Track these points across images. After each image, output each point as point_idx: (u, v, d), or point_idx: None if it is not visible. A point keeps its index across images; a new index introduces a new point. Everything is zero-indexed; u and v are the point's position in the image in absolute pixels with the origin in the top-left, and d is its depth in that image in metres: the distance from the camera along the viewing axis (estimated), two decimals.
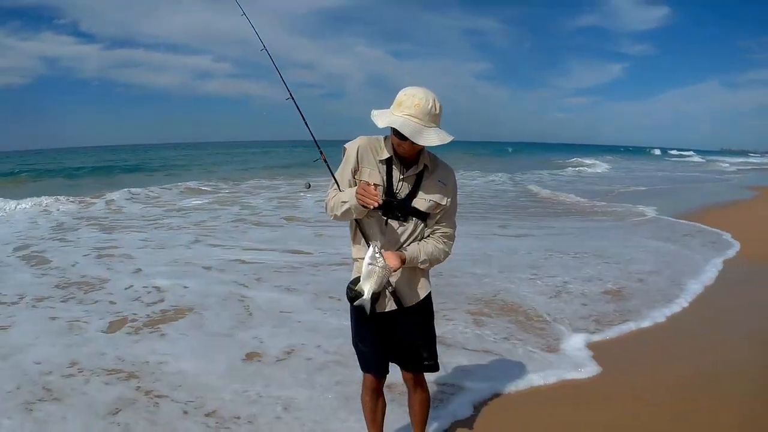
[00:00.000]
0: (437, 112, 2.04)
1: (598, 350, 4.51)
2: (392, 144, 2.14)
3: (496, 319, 5.36)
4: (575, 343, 4.65)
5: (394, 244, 2.19)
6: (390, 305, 2.20)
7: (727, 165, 42.20)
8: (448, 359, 4.13)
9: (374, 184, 2.12)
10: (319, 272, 7.08)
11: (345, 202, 2.11)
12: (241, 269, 7.38)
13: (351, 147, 2.20)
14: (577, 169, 32.11)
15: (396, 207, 2.16)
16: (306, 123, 2.46)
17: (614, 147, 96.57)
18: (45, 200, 13.80)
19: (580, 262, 7.78)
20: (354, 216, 2.15)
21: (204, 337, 4.95)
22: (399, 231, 2.19)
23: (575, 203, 15.58)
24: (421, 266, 2.25)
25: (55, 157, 48.23)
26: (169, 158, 42.58)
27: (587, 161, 38.58)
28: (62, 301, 6.08)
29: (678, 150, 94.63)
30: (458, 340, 4.79)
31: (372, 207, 2.02)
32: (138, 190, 16.84)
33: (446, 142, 2.03)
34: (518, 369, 4.14)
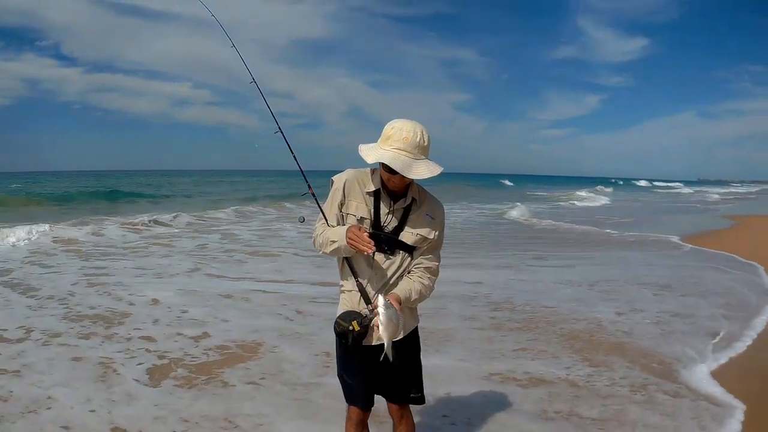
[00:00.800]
0: (426, 144, 2.03)
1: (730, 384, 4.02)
2: (381, 178, 2.13)
3: (608, 358, 4.67)
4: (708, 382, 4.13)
5: (381, 277, 2.18)
6: (377, 339, 2.14)
7: (717, 196, 43.01)
8: (583, 409, 3.65)
9: (361, 217, 2.13)
10: None
11: (334, 241, 2.10)
12: (269, 300, 6.58)
13: (338, 180, 2.20)
14: (571, 201, 31.50)
15: (383, 240, 2.13)
16: (294, 156, 2.49)
17: (597, 178, 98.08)
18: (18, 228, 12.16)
19: (653, 293, 7.23)
20: (343, 255, 2.16)
21: (289, 390, 3.98)
22: (385, 265, 2.17)
23: (597, 233, 15.27)
24: (411, 305, 2.27)
25: (36, 180, 45.90)
26: (151, 185, 41.11)
27: (582, 193, 38.56)
28: (81, 338, 5.10)
29: (663, 181, 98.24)
30: (583, 384, 4.10)
31: (365, 254, 2.04)
32: (116, 218, 15.57)
33: (436, 174, 2.02)
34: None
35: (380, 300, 2.00)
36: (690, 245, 11.67)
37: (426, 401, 2.49)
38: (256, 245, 11.47)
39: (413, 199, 2.17)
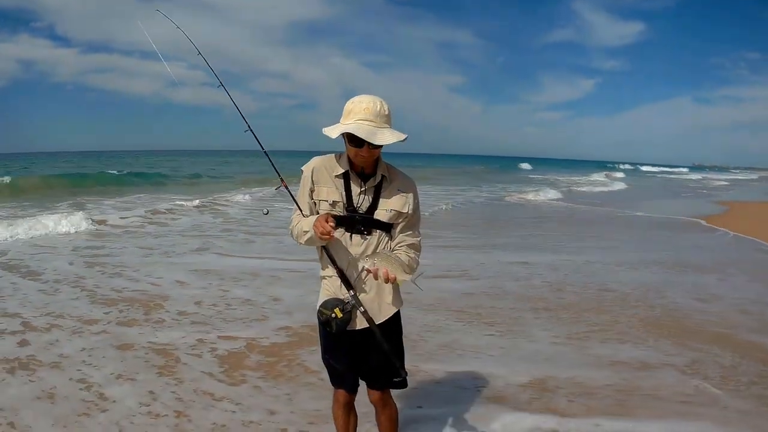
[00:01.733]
0: (387, 113, 2.07)
1: None
2: (348, 159, 2.16)
3: (709, 347, 4.27)
4: None
5: (358, 259, 2.18)
6: (361, 323, 2.21)
7: (723, 182, 42.61)
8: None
9: (333, 201, 2.16)
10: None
11: (307, 231, 2.15)
12: (303, 278, 6.15)
13: (306, 169, 2.24)
14: (589, 185, 30.28)
15: (358, 221, 2.17)
16: (266, 153, 2.51)
17: (599, 162, 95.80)
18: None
19: (718, 278, 6.85)
20: (318, 244, 2.19)
21: None
22: (363, 246, 2.18)
23: (628, 215, 14.82)
24: (399, 275, 2.19)
25: (32, 161, 44.19)
26: (145, 164, 39.47)
27: (598, 177, 38.36)
28: (122, 324, 4.58)
29: (668, 166, 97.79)
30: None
31: (327, 238, 2.08)
32: (111, 200, 14.93)
33: (401, 139, 2.06)
34: None
35: (366, 263, 2.07)
36: (722, 228, 11.46)
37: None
38: (254, 224, 10.74)
39: (383, 177, 2.19)
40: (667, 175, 56.78)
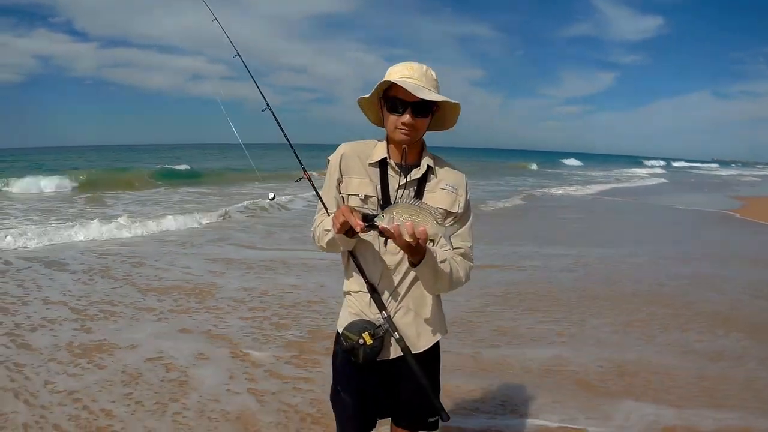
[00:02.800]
0: (435, 77, 1.72)
1: None
2: (387, 144, 1.76)
3: None
4: None
5: (395, 272, 1.75)
6: (395, 351, 1.76)
7: (755, 177, 41.21)
8: None
9: (365, 196, 1.73)
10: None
11: (328, 230, 1.70)
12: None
13: (333, 157, 1.82)
14: (632, 180, 30.40)
15: None
16: (286, 136, 2.11)
17: (629, 157, 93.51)
18: None
19: None
20: (342, 248, 1.74)
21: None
22: (400, 253, 1.72)
23: (682, 210, 14.58)
24: (436, 281, 1.69)
25: (56, 156, 42.85)
26: (193, 159, 37.58)
27: (640, 171, 38.44)
28: (185, 313, 4.62)
29: (700, 162, 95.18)
30: None
31: (356, 231, 1.54)
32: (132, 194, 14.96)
33: (454, 104, 1.69)
34: None
35: (382, 220, 1.50)
36: None
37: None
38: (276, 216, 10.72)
39: (428, 168, 1.77)
40: (699, 171, 55.50)
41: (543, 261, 6.86)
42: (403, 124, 1.65)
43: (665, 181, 30.75)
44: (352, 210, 1.56)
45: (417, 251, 1.54)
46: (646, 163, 65.17)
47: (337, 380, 1.88)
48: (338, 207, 1.73)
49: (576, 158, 63.78)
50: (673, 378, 3.49)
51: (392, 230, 1.46)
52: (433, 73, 1.72)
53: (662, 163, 70.35)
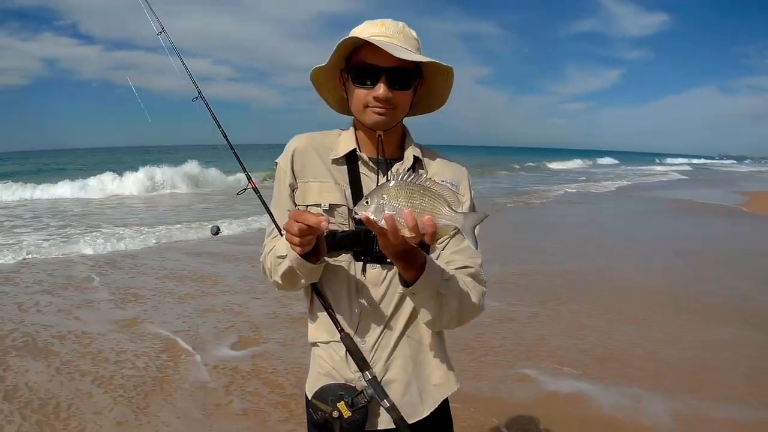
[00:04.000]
0: (415, 36, 1.26)
1: None
2: (355, 130, 1.29)
3: None
4: None
5: (379, 306, 1.25)
6: (386, 422, 1.24)
7: None
8: None
9: (330, 205, 1.23)
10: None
11: (282, 257, 1.21)
12: None
13: (282, 157, 1.30)
14: (654, 176, 30.59)
15: (372, 240, 1.20)
16: (219, 124, 1.57)
17: (643, 154, 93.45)
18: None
19: None
20: (304, 280, 1.21)
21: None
22: (384, 282, 1.24)
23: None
24: (435, 303, 1.16)
25: (65, 158, 44.83)
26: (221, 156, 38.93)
27: (658, 168, 39.24)
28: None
29: (707, 158, 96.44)
30: None
31: (321, 252, 1.15)
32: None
33: (445, 65, 1.21)
34: None
35: (361, 208, 0.98)
36: None
37: None
38: None
39: (416, 160, 1.29)
40: (722, 168, 53.55)
41: None
42: (376, 99, 1.18)
43: (698, 177, 30.53)
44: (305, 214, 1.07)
45: (414, 259, 1.07)
46: (668, 161, 64.13)
47: None
48: None
49: (586, 156, 62.89)
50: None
51: (383, 222, 0.95)
52: (413, 32, 1.26)
53: (681, 160, 69.02)
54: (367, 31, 1.21)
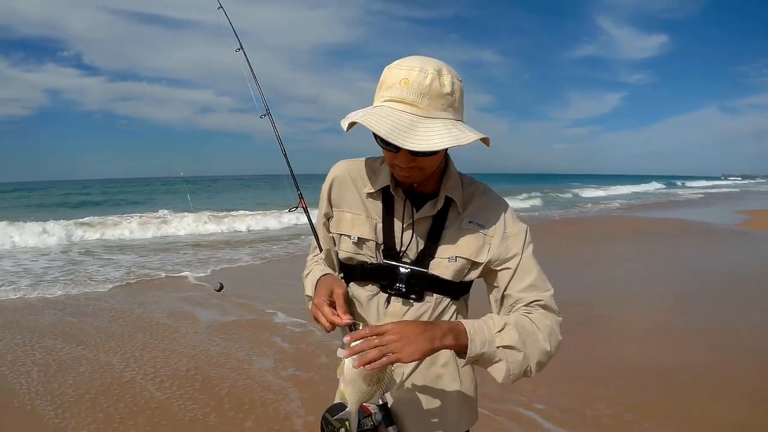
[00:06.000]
0: (448, 90, 1.06)
1: None
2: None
3: None
4: None
5: None
6: None
7: None
8: None
9: (359, 239, 1.24)
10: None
11: (309, 297, 1.28)
12: None
13: (325, 183, 1.32)
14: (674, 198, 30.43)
15: (401, 276, 1.20)
16: (283, 150, 1.56)
17: (656, 176, 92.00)
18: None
19: None
20: None
21: None
22: (407, 317, 1.23)
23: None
24: (502, 365, 1.09)
25: (66, 189, 44.82)
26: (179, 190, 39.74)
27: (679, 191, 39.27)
28: None
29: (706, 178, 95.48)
30: None
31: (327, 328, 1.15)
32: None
33: (470, 142, 1.05)
34: None
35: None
36: None
37: None
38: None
39: (448, 201, 1.22)
40: (747, 188, 51.41)
41: None
42: (399, 165, 1.12)
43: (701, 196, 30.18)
44: (327, 301, 1.14)
45: (446, 345, 1.06)
46: (689, 183, 62.91)
47: None
48: (330, 249, 1.33)
49: (590, 180, 62.00)
50: None
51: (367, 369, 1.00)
52: (446, 82, 1.06)
53: (705, 183, 67.48)
54: (387, 89, 1.08)
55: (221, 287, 1.96)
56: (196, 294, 6.29)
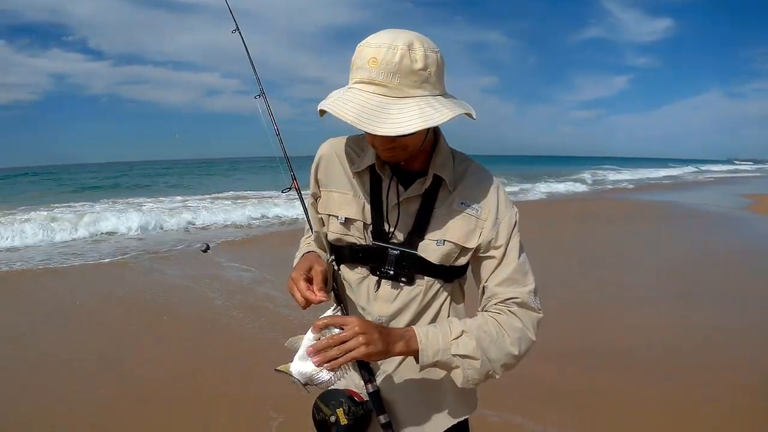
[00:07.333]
0: (421, 65, 0.98)
1: None
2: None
3: None
4: None
5: (387, 322, 1.19)
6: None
7: None
8: None
9: (346, 219, 1.19)
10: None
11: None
12: None
13: (314, 162, 1.28)
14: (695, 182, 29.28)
15: (390, 258, 1.16)
16: (277, 129, 1.45)
17: (662, 159, 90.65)
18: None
19: None
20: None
21: None
22: (396, 303, 1.19)
23: None
24: (459, 371, 1.09)
25: (74, 173, 44.21)
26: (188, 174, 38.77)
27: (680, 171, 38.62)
28: None
29: (709, 162, 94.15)
30: None
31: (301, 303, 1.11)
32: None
33: (444, 121, 0.99)
34: None
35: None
36: None
37: None
38: None
39: (437, 179, 1.16)
40: (747, 173, 49.50)
41: None
42: (377, 146, 1.09)
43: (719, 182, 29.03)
44: (305, 276, 1.11)
45: (396, 351, 1.05)
46: (704, 167, 59.61)
47: None
48: (320, 228, 1.28)
49: (601, 163, 60.11)
50: None
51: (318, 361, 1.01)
52: (420, 53, 0.99)
53: (720, 166, 64.12)
54: (357, 70, 1.02)
55: (207, 248, 1.98)
56: None
